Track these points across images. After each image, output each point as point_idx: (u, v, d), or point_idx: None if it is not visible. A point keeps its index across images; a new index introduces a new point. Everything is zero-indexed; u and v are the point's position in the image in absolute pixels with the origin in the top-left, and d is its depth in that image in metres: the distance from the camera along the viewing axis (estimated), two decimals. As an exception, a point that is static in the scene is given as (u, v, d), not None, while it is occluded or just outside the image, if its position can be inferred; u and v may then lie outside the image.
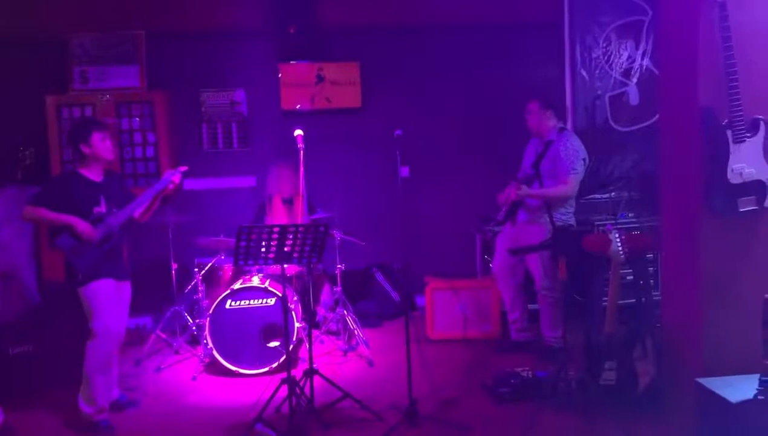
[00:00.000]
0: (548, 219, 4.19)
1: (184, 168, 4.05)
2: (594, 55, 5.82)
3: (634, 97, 5.76)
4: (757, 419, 2.60)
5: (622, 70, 5.78)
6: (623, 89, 5.77)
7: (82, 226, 3.68)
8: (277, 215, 5.22)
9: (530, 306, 4.89)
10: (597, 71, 5.82)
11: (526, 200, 4.54)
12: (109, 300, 3.78)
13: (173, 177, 3.99)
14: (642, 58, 5.73)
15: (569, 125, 5.88)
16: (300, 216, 4.92)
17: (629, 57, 5.77)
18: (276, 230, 3.49)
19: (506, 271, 4.77)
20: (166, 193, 4.01)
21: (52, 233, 3.77)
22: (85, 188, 3.80)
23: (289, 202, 5.26)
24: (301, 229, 3.53)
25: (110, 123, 5.55)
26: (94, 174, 3.84)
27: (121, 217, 3.84)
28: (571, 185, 4.42)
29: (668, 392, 3.52)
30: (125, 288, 3.97)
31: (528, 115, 4.60)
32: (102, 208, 3.79)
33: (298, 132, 4.20)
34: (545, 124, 4.55)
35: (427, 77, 6.14)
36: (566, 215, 4.53)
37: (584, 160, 4.50)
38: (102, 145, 3.81)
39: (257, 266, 4.62)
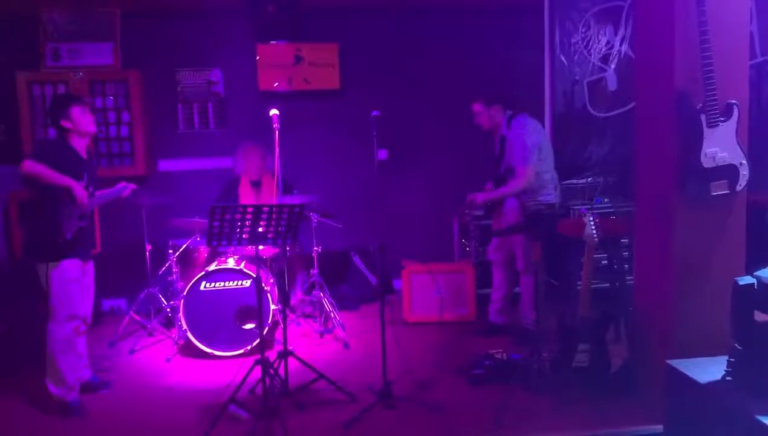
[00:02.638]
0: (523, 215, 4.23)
1: (133, 186, 4.11)
2: (573, 40, 5.82)
3: (612, 82, 5.77)
4: (724, 399, 2.64)
5: (601, 55, 5.78)
6: (602, 75, 5.78)
7: (79, 190, 3.63)
8: (245, 198, 5.16)
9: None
10: (576, 56, 5.83)
11: (505, 206, 4.56)
12: (73, 281, 3.73)
13: (124, 192, 4.05)
14: (621, 44, 5.73)
15: (547, 110, 5.90)
16: (269, 199, 4.86)
17: (608, 42, 5.78)
18: (250, 209, 3.45)
19: (501, 253, 4.78)
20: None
21: (23, 211, 3.69)
22: (74, 159, 3.76)
23: (257, 185, 5.20)
24: (275, 209, 3.49)
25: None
26: (79, 149, 3.80)
27: (96, 201, 3.82)
28: (523, 177, 4.38)
29: (640, 374, 3.57)
30: (89, 268, 3.93)
31: (476, 118, 4.58)
32: (84, 183, 3.74)
33: (273, 111, 4.15)
34: (495, 120, 4.55)
35: (406, 60, 6.10)
36: (550, 196, 4.54)
37: (537, 145, 4.42)
38: (83, 118, 3.76)
39: (232, 247, 4.60)
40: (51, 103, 3.93)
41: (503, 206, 4.62)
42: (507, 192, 4.44)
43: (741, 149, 3.18)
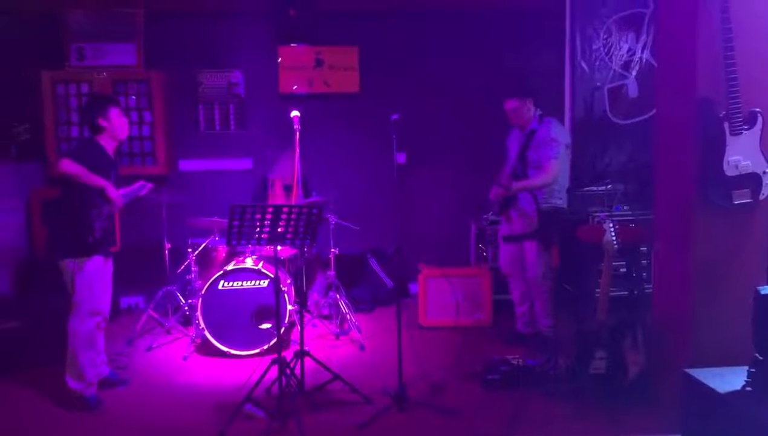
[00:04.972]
0: (536, 209, 4.21)
1: (151, 185, 4.18)
2: (594, 47, 5.80)
3: (633, 89, 5.75)
4: (744, 410, 2.61)
5: (622, 62, 5.77)
6: (622, 82, 5.76)
7: (113, 191, 3.70)
8: (277, 200, 5.20)
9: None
10: (597, 63, 5.81)
11: (519, 199, 4.54)
12: (97, 278, 3.79)
13: (142, 191, 4.12)
14: (642, 51, 5.71)
15: (567, 116, 5.88)
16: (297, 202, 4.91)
17: (629, 50, 5.76)
18: (269, 209, 3.48)
19: (515, 266, 4.74)
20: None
21: (47, 208, 3.73)
22: (104, 159, 3.82)
23: (290, 189, 5.24)
24: (295, 210, 3.51)
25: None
26: (108, 149, 3.86)
27: (124, 201, 3.88)
28: (551, 172, 4.40)
29: (657, 382, 3.54)
30: (109, 265, 3.99)
31: (511, 114, 4.55)
32: (112, 183, 3.79)
33: (294, 113, 4.18)
34: (528, 116, 4.55)
35: (426, 63, 6.10)
36: (561, 200, 4.54)
37: (567, 145, 4.50)
38: (119, 120, 3.84)
39: (251, 247, 4.63)
40: (89, 101, 4.00)
41: (513, 209, 4.61)
42: (534, 183, 4.42)
43: (764, 158, 3.15)
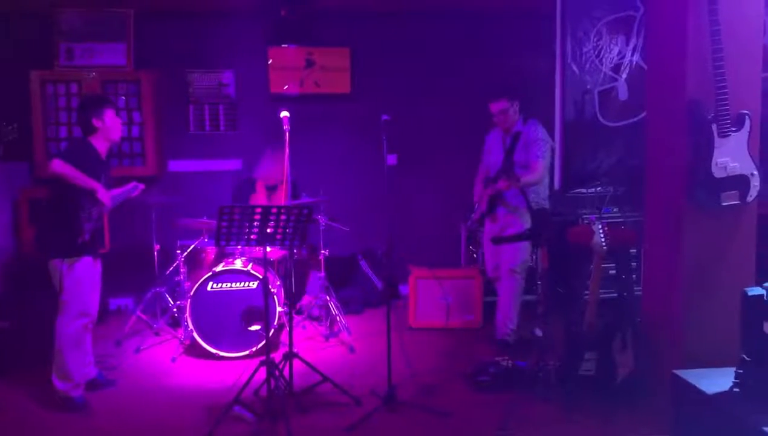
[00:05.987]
0: (526, 206, 4.23)
1: (142, 186, 4.16)
2: (584, 49, 5.80)
3: (623, 92, 5.75)
4: (732, 411, 2.62)
5: (612, 65, 5.77)
6: (612, 84, 5.77)
7: (104, 193, 3.67)
8: (259, 201, 5.17)
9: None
10: (587, 65, 5.80)
11: (505, 197, 4.54)
12: (86, 279, 3.77)
13: (134, 192, 4.11)
14: (632, 54, 5.72)
15: (557, 118, 5.87)
16: (281, 202, 4.88)
17: (619, 52, 5.76)
18: (258, 210, 3.46)
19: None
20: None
21: (35, 208, 3.70)
22: (95, 160, 3.78)
23: (272, 189, 5.22)
24: (284, 210, 3.50)
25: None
26: (101, 150, 3.83)
27: (114, 202, 3.85)
28: (540, 171, 4.47)
29: (646, 384, 3.55)
30: (98, 266, 3.96)
31: (502, 116, 4.55)
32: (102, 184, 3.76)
33: (284, 113, 4.17)
34: (515, 118, 4.58)
35: (418, 65, 6.11)
36: (545, 201, 4.60)
37: (552, 148, 4.60)
38: (113, 122, 3.82)
39: (240, 248, 4.61)
40: (83, 100, 3.97)
41: (500, 207, 4.61)
42: (527, 180, 4.42)
43: (752, 160, 3.17)
